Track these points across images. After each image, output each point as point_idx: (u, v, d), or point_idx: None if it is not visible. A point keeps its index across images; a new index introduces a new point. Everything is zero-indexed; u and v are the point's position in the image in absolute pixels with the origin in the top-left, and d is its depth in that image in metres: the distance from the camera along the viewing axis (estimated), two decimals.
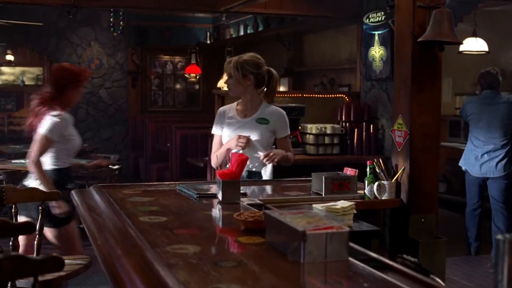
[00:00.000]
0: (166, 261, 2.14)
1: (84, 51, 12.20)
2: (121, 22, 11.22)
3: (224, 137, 4.44)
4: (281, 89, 10.75)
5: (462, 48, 8.18)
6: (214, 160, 4.47)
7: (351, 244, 2.25)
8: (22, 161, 7.82)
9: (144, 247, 2.33)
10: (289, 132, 4.56)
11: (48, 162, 4.75)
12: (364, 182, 3.94)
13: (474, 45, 8.24)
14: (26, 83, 14.29)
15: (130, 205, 3.27)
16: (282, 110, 4.54)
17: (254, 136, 4.32)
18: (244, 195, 3.60)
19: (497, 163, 6.60)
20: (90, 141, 11.94)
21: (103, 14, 11.93)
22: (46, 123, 4.67)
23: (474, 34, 8.24)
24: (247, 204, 3.31)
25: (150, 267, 2.11)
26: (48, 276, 3.74)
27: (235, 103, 4.55)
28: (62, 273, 3.75)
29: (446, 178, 9.47)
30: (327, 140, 7.34)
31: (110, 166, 8.00)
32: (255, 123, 4.39)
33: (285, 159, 4.42)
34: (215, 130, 4.55)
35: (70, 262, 4.06)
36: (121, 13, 11.06)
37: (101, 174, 7.73)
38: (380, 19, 7.39)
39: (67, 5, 7.65)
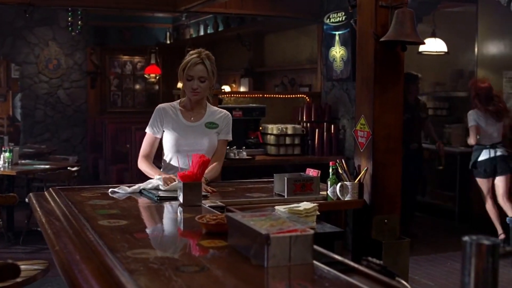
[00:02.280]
0: (127, 266, 2.09)
1: (42, 51, 12.01)
2: (79, 22, 11.06)
3: (169, 141, 4.07)
4: (242, 89, 10.74)
5: (421, 48, 8.24)
6: (142, 168, 4.06)
7: (315, 246, 2.21)
8: None
9: (104, 252, 2.27)
10: (231, 138, 4.21)
11: None
12: (326, 183, 3.91)
13: (433, 45, 8.32)
14: None
15: (89, 209, 3.20)
16: (229, 113, 4.23)
17: (204, 142, 4.03)
18: (206, 197, 3.56)
19: None
20: (48, 143, 11.78)
21: (61, 14, 11.77)
22: None
23: (433, 35, 8.31)
24: (208, 206, 3.26)
25: (110, 273, 2.05)
26: (4, 283, 3.64)
27: (176, 102, 4.19)
28: (18, 280, 3.66)
29: None
30: (288, 140, 7.33)
31: (68, 167, 7.89)
32: (204, 128, 4.09)
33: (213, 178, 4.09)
34: (151, 130, 4.11)
35: (27, 267, 3.96)
36: (79, 12, 10.92)
37: (59, 176, 7.62)
38: (340, 19, 7.40)
39: (24, 3, 7.51)
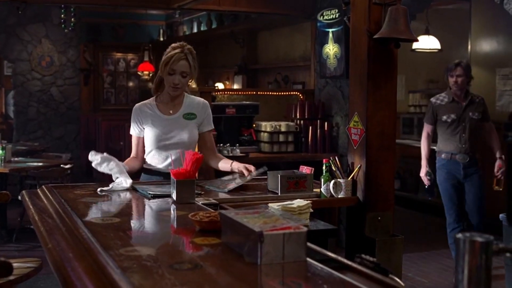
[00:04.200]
0: (120, 264, 2.08)
1: (35, 48, 11.97)
2: (72, 19, 11.05)
3: (149, 137, 4.07)
4: (235, 86, 10.73)
5: (415, 45, 8.24)
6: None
7: (309, 244, 2.21)
8: None
9: (97, 250, 2.27)
10: (213, 126, 4.26)
11: None
12: (320, 180, 3.91)
13: (426, 43, 8.32)
14: None
15: (82, 206, 3.19)
16: (205, 101, 4.24)
17: (183, 134, 4.04)
18: (199, 194, 3.55)
19: None
20: (41, 140, 11.75)
21: (53, 11, 11.74)
22: None
23: (427, 32, 8.32)
24: (202, 204, 3.26)
25: (103, 271, 2.05)
26: None
27: (151, 99, 4.18)
28: (11, 277, 3.65)
29: (399, 175, 9.55)
30: (281, 138, 7.32)
31: (61, 165, 7.87)
32: (183, 119, 4.08)
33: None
34: (132, 131, 4.16)
35: (20, 265, 3.95)
36: (72, 9, 10.91)
37: (52, 173, 7.60)
38: (334, 16, 7.40)
39: (16, 0, 7.48)
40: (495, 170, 6.16)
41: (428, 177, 6.22)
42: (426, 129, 6.33)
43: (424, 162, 6.25)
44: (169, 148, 4.00)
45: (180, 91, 4.06)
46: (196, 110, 4.14)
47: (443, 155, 6.20)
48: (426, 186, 6.33)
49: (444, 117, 6.13)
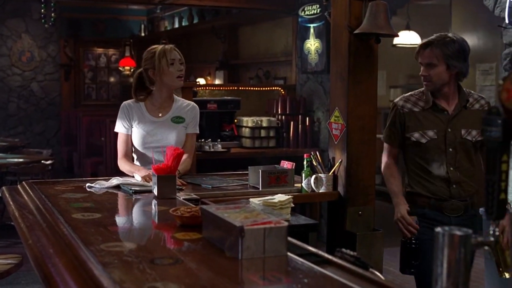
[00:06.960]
0: (100, 259, 2.08)
1: (15, 43, 11.89)
2: (53, 14, 10.97)
3: (136, 138, 4.05)
4: (217, 82, 10.72)
5: (395, 41, 8.27)
6: (124, 169, 4.02)
7: (290, 238, 2.22)
8: None
9: (77, 246, 2.26)
10: (198, 131, 4.22)
11: None
12: (301, 175, 3.92)
13: (407, 38, 8.34)
14: None
15: (62, 202, 3.18)
16: (195, 104, 4.22)
17: (171, 137, 4.01)
18: (180, 190, 3.55)
19: None
20: (21, 136, 11.69)
21: (33, 5, 11.66)
22: None
23: (408, 27, 8.34)
24: (183, 199, 3.26)
25: (84, 266, 2.04)
26: None
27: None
28: None
29: (380, 170, 9.57)
30: (263, 133, 7.33)
31: (42, 161, 7.84)
32: (171, 122, 4.06)
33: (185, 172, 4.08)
34: (120, 128, 4.09)
35: (0, 262, 3.93)
36: (52, 4, 10.83)
37: (33, 169, 7.57)
38: (315, 11, 7.41)
39: None
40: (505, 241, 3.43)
41: (416, 222, 3.62)
42: (388, 154, 3.87)
43: (399, 199, 3.67)
44: (155, 150, 3.94)
45: (181, 83, 4.04)
46: (185, 114, 4.12)
47: (418, 201, 3.66)
48: (407, 244, 3.77)
49: (416, 135, 3.60)
